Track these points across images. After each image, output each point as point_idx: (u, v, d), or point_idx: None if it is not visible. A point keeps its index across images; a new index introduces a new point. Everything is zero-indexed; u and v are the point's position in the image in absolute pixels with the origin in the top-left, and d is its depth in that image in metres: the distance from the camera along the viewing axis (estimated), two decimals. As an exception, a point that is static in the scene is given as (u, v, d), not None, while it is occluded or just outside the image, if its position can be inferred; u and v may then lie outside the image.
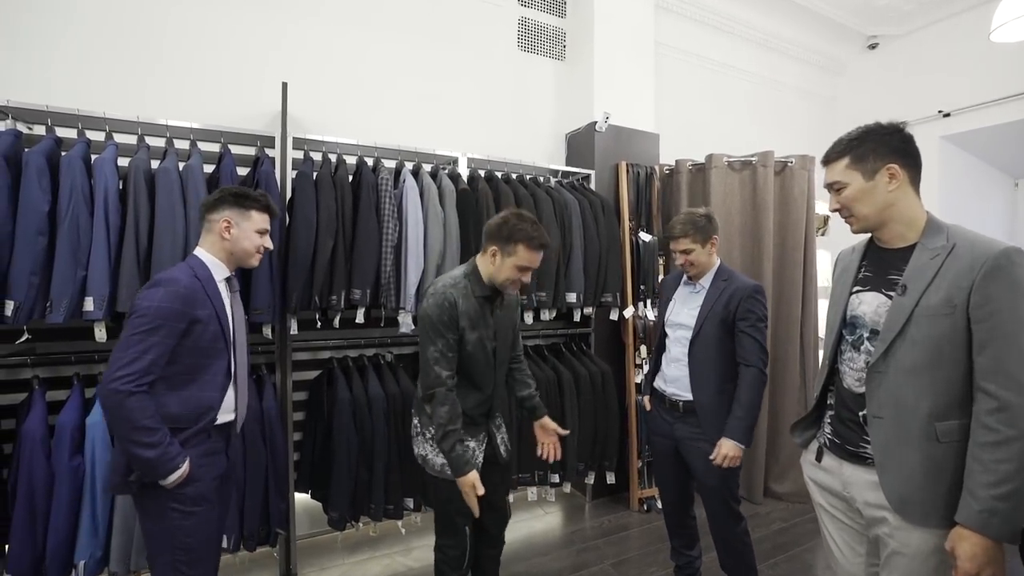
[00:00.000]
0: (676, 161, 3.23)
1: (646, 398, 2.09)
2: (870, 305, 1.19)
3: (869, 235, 1.25)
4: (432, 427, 1.57)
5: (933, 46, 4.17)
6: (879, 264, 1.21)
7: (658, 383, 2.00)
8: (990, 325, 1.01)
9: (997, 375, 1.00)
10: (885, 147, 1.13)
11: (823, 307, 3.84)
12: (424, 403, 1.58)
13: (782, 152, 3.13)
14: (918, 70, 4.24)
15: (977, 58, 3.86)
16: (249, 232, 1.51)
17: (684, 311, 1.92)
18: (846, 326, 1.24)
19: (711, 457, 1.76)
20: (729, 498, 1.87)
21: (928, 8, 4.07)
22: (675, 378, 1.91)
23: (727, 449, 1.73)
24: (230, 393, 1.48)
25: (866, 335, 1.18)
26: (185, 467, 1.33)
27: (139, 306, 1.31)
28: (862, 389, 1.17)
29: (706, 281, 1.90)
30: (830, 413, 1.29)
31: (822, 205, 4.09)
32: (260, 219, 1.52)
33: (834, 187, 1.20)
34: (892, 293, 1.14)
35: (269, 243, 1.57)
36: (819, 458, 1.30)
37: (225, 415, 1.47)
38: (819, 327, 3.51)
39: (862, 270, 1.24)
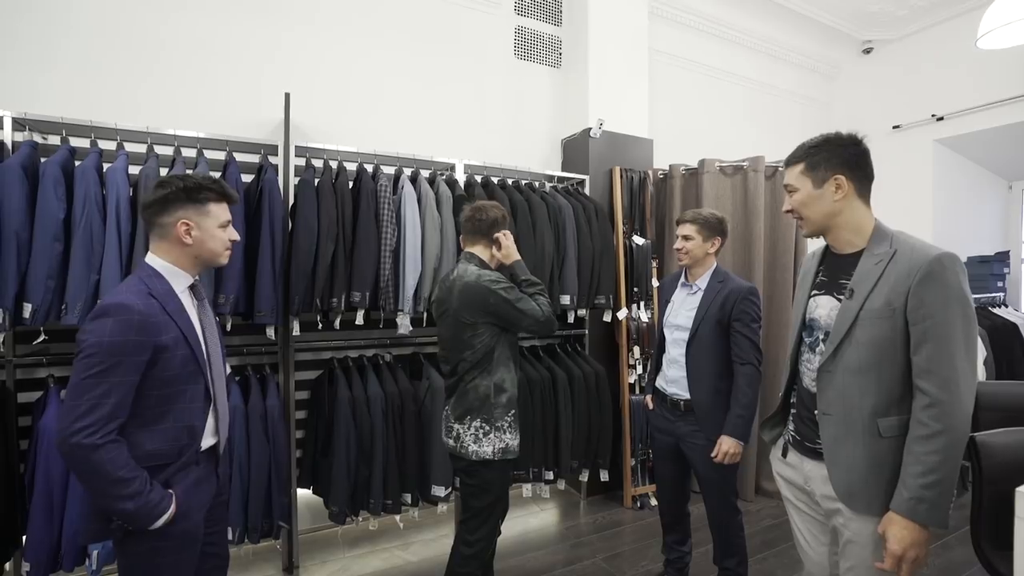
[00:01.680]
0: (670, 166, 3.30)
1: (648, 397, 2.16)
2: (824, 308, 1.26)
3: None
4: (506, 417, 1.73)
5: (927, 51, 4.22)
6: (833, 269, 1.28)
7: (659, 383, 2.07)
8: (924, 327, 1.08)
9: (930, 374, 1.07)
10: (837, 158, 1.19)
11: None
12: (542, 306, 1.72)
13: (776, 157, 3.19)
14: (912, 74, 4.30)
15: (970, 62, 3.91)
16: (212, 230, 1.28)
17: (682, 312, 2.00)
18: (805, 328, 1.31)
19: (712, 454, 1.84)
20: (729, 492, 1.96)
21: (921, 13, 4.13)
22: (674, 378, 1.98)
23: (727, 446, 1.82)
24: (210, 416, 1.31)
25: (821, 337, 1.25)
26: (172, 508, 1.18)
27: (86, 343, 1.10)
28: (815, 389, 1.25)
29: (702, 283, 1.97)
30: (792, 412, 1.36)
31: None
32: (220, 211, 1.30)
33: (788, 189, 1.28)
34: (842, 296, 1.21)
35: (236, 235, 1.36)
36: (784, 454, 1.37)
37: (208, 440, 1.31)
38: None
39: (819, 275, 1.31)
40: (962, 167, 4.42)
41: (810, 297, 1.31)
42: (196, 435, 1.26)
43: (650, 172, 3.23)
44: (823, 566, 1.32)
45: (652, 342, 3.06)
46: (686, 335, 1.94)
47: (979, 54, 3.76)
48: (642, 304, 3.07)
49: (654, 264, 3.14)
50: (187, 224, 1.25)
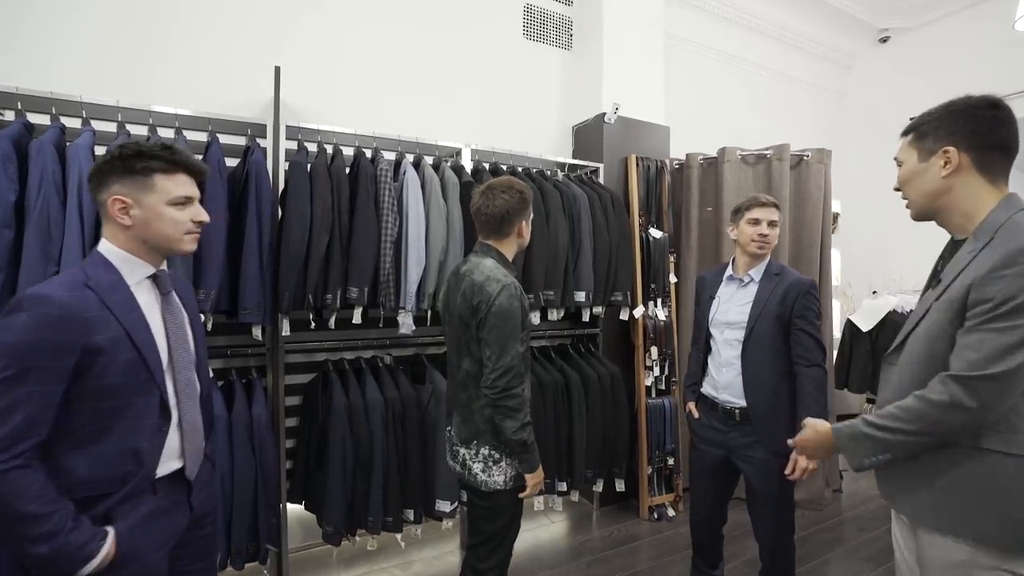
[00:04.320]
0: (687, 155, 3.10)
1: (692, 404, 1.91)
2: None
3: None
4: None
5: (946, 39, 4.06)
6: (946, 258, 1.11)
7: (707, 389, 1.84)
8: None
9: None
10: (950, 126, 1.01)
11: (835, 307, 3.74)
12: (507, 407, 1.38)
13: (792, 148, 3.01)
14: (930, 64, 4.14)
15: (992, 51, 3.75)
16: (159, 208, 1.04)
17: (733, 309, 1.77)
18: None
19: (787, 472, 1.55)
20: (788, 509, 1.75)
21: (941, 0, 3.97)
22: (728, 383, 1.75)
23: (805, 461, 1.53)
24: (172, 435, 1.08)
25: None
26: (107, 548, 0.94)
27: None
28: None
29: (756, 274, 1.75)
30: None
31: (833, 202, 3.98)
32: (171, 184, 1.05)
33: (896, 163, 1.12)
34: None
35: (202, 214, 1.11)
36: None
37: (169, 464, 1.08)
38: (834, 326, 3.40)
39: (938, 263, 1.14)
40: (980, 161, 4.27)
41: (925, 292, 1.14)
42: (145, 459, 1.02)
43: (667, 161, 3.03)
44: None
45: (669, 342, 2.87)
46: (741, 334, 1.72)
47: (1002, 42, 3.62)
48: (659, 301, 2.87)
49: (671, 259, 2.94)
50: (121, 201, 1.02)
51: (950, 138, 1.00)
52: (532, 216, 1.61)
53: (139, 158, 1.02)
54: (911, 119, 1.09)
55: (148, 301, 1.08)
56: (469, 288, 1.45)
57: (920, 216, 1.10)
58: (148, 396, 1.03)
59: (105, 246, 1.06)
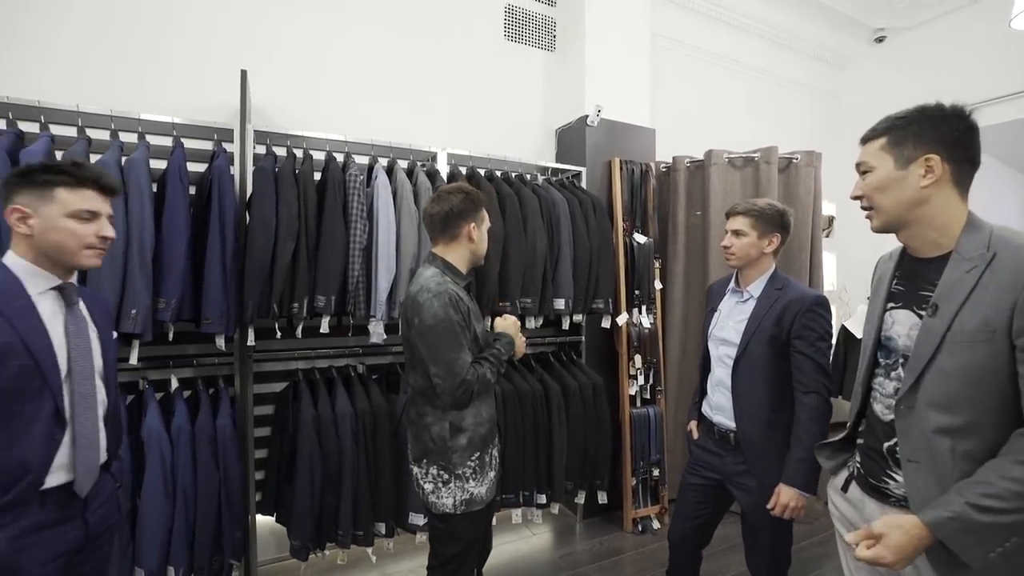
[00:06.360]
0: (673, 158, 3.04)
1: (693, 424, 1.81)
2: (903, 325, 1.01)
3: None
4: (469, 462, 1.42)
5: (943, 38, 3.97)
6: (911, 276, 1.03)
7: (705, 408, 1.74)
8: None
9: None
10: (932, 133, 0.94)
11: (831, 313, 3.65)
12: (473, 397, 1.36)
13: (782, 150, 2.94)
14: (927, 64, 4.05)
15: (990, 51, 3.66)
16: (56, 220, 1.07)
17: (729, 324, 1.65)
18: (881, 348, 1.07)
19: (768, 506, 1.49)
20: (782, 543, 1.62)
21: (938, -2, 3.88)
22: (720, 405, 1.65)
23: (787, 498, 1.45)
24: (65, 446, 1.07)
25: (901, 361, 1.00)
26: None
27: None
28: (890, 416, 1.01)
29: (756, 289, 1.62)
30: (859, 441, 1.13)
31: (828, 205, 3.90)
32: (77, 198, 1.09)
33: (860, 169, 1.04)
34: (924, 312, 0.96)
35: (107, 230, 1.14)
36: (846, 488, 1.14)
37: (56, 477, 1.07)
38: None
39: (895, 282, 1.07)
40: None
41: (886, 310, 1.06)
42: (29, 469, 1.02)
43: (652, 164, 2.97)
44: None
45: (654, 350, 2.80)
46: (733, 352, 1.60)
47: (1000, 42, 3.52)
48: (644, 308, 2.81)
49: (657, 265, 2.88)
50: (20, 211, 1.07)
51: (934, 145, 0.94)
52: (488, 223, 1.55)
53: (44, 172, 1.08)
54: (896, 119, 1.00)
55: (51, 311, 1.11)
56: (406, 301, 1.43)
57: (886, 227, 1.02)
58: (40, 402, 1.05)
59: (10, 257, 1.10)
